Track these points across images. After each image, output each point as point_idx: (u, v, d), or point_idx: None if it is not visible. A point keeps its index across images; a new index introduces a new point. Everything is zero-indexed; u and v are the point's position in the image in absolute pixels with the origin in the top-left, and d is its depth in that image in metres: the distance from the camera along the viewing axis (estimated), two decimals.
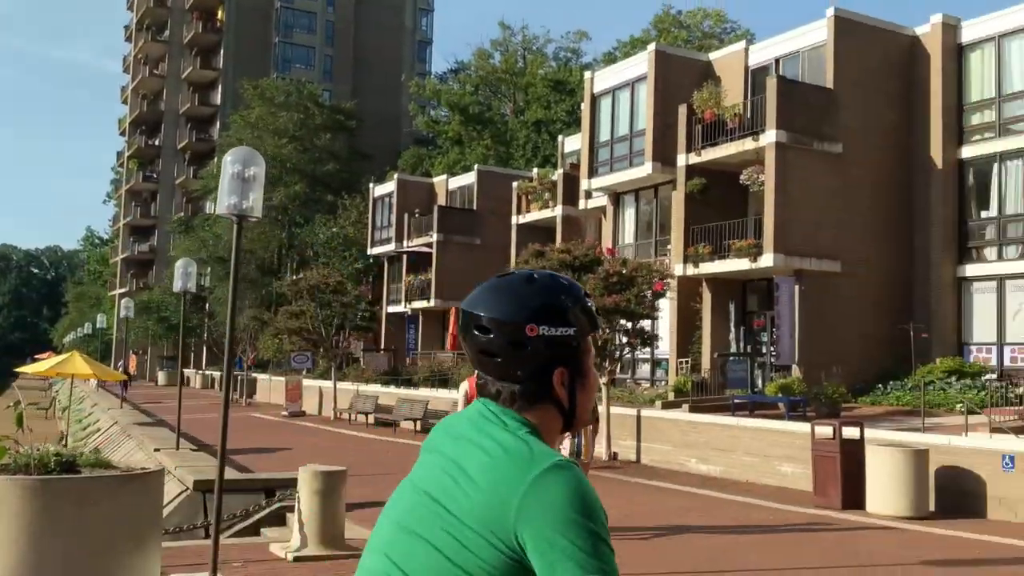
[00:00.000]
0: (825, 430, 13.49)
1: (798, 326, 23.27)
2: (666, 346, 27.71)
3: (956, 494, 12.45)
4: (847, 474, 12.77)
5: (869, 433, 13.77)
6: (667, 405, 22.67)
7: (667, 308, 28.10)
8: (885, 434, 13.79)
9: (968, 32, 23.17)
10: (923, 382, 22.14)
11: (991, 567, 9.28)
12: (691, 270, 25.54)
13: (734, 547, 9.78)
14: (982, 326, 23.20)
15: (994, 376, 21.59)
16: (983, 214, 23.52)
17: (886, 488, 12.06)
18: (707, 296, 26.20)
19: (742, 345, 25.95)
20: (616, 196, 30.50)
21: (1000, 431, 15.10)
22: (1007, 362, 22.50)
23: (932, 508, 12.67)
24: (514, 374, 1.82)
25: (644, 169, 27.71)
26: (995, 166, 23.02)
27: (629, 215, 30.53)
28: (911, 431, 14.80)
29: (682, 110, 25.34)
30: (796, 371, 23.08)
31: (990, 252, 23.24)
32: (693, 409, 21.95)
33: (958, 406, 19.79)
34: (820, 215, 23.42)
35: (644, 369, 29.33)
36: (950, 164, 23.79)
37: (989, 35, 22.67)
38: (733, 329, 26.21)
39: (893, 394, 21.77)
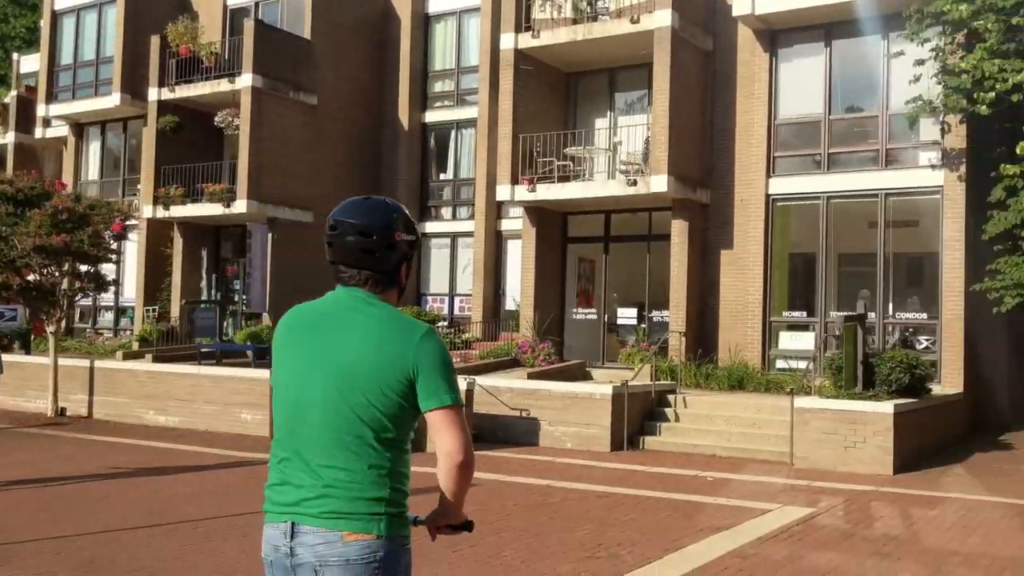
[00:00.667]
0: None
1: (270, 274, 23.32)
2: (132, 293, 26.06)
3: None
4: None
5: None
6: (129, 356, 21.31)
7: (133, 252, 26.39)
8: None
9: (434, 4, 24.86)
10: None
11: None
12: (161, 213, 24.18)
13: (172, 500, 9.41)
14: (438, 278, 25.37)
15: (446, 323, 23.79)
16: (442, 176, 25.63)
17: None
18: (179, 241, 25.04)
19: (214, 292, 25.33)
20: (80, 127, 27.73)
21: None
22: (456, 311, 24.90)
23: None
24: (382, 267, 2.75)
25: (111, 100, 25.53)
26: (452, 132, 25.17)
27: (94, 149, 27.97)
28: None
29: (155, 41, 23.72)
30: (267, 319, 23.16)
31: (446, 211, 25.44)
32: (157, 359, 20.88)
33: None
34: (294, 164, 23.63)
35: (108, 318, 27.27)
36: (416, 127, 25.48)
37: (452, 9, 24.56)
38: (205, 276, 25.42)
39: None
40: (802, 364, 17.03)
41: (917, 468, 11.94)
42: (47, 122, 28.58)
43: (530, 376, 16.26)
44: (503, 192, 19.05)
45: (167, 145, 24.42)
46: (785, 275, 18.04)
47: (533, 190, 18.70)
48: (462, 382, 13.36)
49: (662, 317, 18.92)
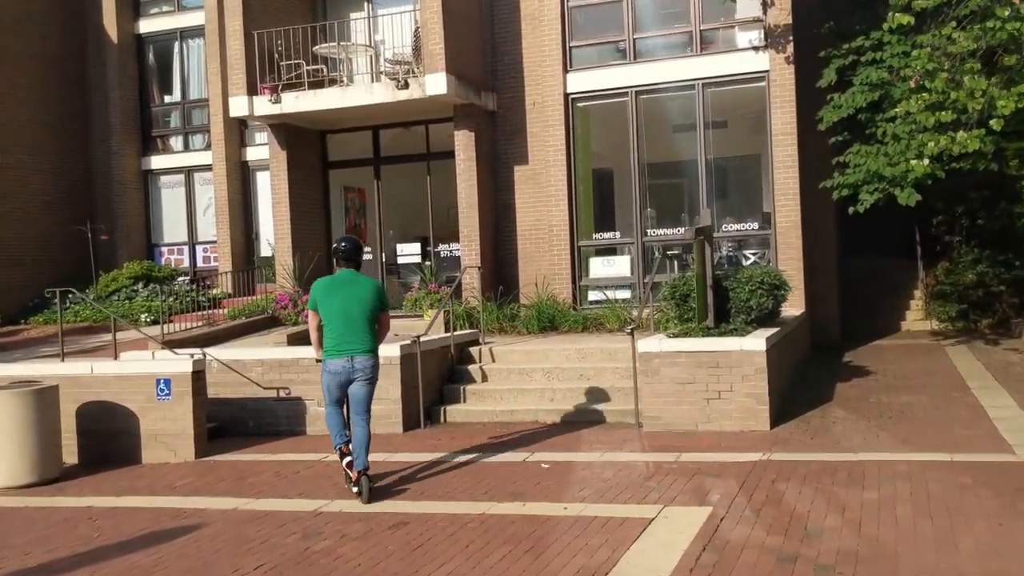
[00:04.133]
0: None
1: None
2: None
3: (105, 438, 9.44)
4: None
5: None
6: None
7: None
8: (14, 368, 10.06)
9: None
10: (106, 292, 19.01)
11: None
12: None
13: None
14: (173, 225, 20.81)
15: (187, 279, 19.43)
16: (167, 99, 20.89)
17: (4, 446, 8.45)
18: None
19: None
20: None
21: (176, 345, 12.60)
22: (200, 262, 20.53)
23: (79, 461, 9.51)
24: (360, 264, 7.59)
25: None
26: (176, 45, 20.47)
27: None
28: (54, 359, 11.38)
29: None
30: None
31: (176, 141, 20.80)
32: None
33: (143, 316, 17.09)
34: None
35: None
36: (128, 40, 20.53)
37: None
38: None
39: (72, 309, 18.10)
40: (619, 294, 14.37)
41: (792, 416, 9.42)
42: None
43: (291, 340, 12.57)
44: (239, 106, 14.92)
45: None
46: (591, 190, 15.21)
47: (277, 100, 14.71)
48: (187, 358, 9.52)
49: (451, 252, 15.65)
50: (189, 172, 20.57)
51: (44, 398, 8.74)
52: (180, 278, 19.49)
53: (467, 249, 14.49)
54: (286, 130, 15.57)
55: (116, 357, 10.94)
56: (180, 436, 9.30)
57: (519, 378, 10.95)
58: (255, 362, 10.54)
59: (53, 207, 19.87)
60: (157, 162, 20.73)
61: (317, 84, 14.85)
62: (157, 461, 9.33)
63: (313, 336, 7.57)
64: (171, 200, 20.85)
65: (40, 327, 18.05)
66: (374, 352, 7.33)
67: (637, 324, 10.02)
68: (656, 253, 14.33)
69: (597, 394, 10.29)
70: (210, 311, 15.94)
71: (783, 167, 13.50)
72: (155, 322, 16.00)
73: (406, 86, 13.98)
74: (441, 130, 15.36)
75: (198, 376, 9.39)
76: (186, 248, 20.67)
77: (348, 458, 7.35)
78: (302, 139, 15.93)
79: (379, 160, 16.22)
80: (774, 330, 9.84)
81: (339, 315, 7.25)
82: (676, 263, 14.32)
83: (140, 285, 18.54)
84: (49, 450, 8.72)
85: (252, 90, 14.91)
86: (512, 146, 15.21)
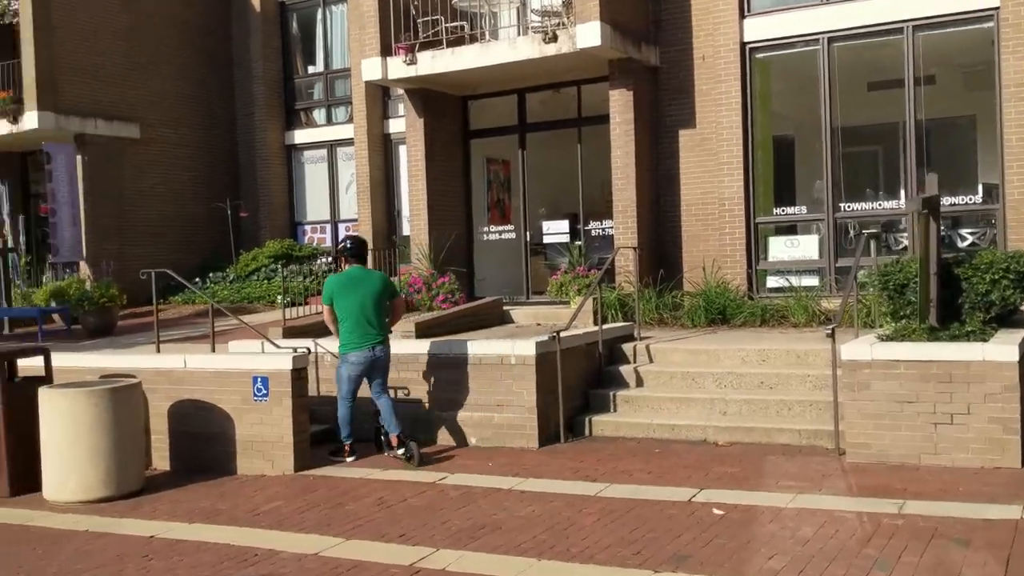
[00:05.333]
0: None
1: (84, 209, 17.59)
2: None
3: (199, 442, 8.17)
4: (19, 438, 7.71)
5: (88, 361, 8.86)
6: None
7: None
8: (105, 359, 8.89)
9: None
10: (245, 271, 18.24)
11: None
12: None
13: None
14: (315, 202, 19.86)
15: (328, 259, 18.39)
16: (310, 69, 19.90)
17: (70, 455, 7.26)
18: None
19: (25, 240, 19.58)
20: None
21: (296, 333, 11.34)
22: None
23: (171, 467, 8.30)
24: (367, 259, 8.48)
25: None
26: (319, 12, 19.41)
27: None
28: (177, 342, 10.28)
29: None
30: (85, 270, 17.53)
31: (319, 114, 19.79)
32: None
33: (279, 298, 16.06)
34: (107, 61, 17.71)
35: None
36: (271, 7, 19.65)
37: None
38: (9, 219, 19.49)
39: (211, 288, 17.41)
40: (805, 281, 12.13)
41: None
42: None
43: (419, 330, 11.03)
44: (371, 69, 13.51)
45: None
46: (771, 157, 12.95)
47: (412, 61, 13.19)
48: (288, 352, 8.11)
49: (604, 230, 13.77)
50: (332, 146, 19.51)
51: (123, 397, 7.48)
52: (321, 258, 18.48)
53: (622, 227, 12.57)
54: (424, 96, 14.06)
55: (213, 349, 9.70)
56: (278, 444, 7.89)
57: (683, 384, 8.99)
58: None
59: (195, 183, 19.25)
60: (300, 136, 19.79)
61: (457, 42, 13.25)
62: (252, 472, 7.97)
63: (332, 328, 8.25)
64: (314, 176, 19.88)
65: (178, 307, 17.41)
66: (388, 339, 8.23)
67: (837, 321, 7.85)
68: (851, 231, 11.98)
69: (783, 409, 8.21)
70: None
71: (1016, 126, 10.87)
72: (292, 304, 14.98)
73: (554, 39, 12.15)
74: (594, 91, 13.47)
75: (299, 375, 7.94)
76: (328, 226, 19.67)
77: (381, 436, 8.27)
78: (441, 106, 14.40)
79: (524, 127, 14.49)
80: (1017, 331, 7.47)
81: (357, 310, 7.89)
82: (874, 244, 11.91)
83: (279, 265, 17.63)
84: (128, 458, 7.47)
85: (386, 51, 13.47)
86: (677, 107, 13.14)
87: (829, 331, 7.43)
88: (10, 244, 17.69)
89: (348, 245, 8.31)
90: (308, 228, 19.89)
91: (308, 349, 8.64)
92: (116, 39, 17.92)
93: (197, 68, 19.40)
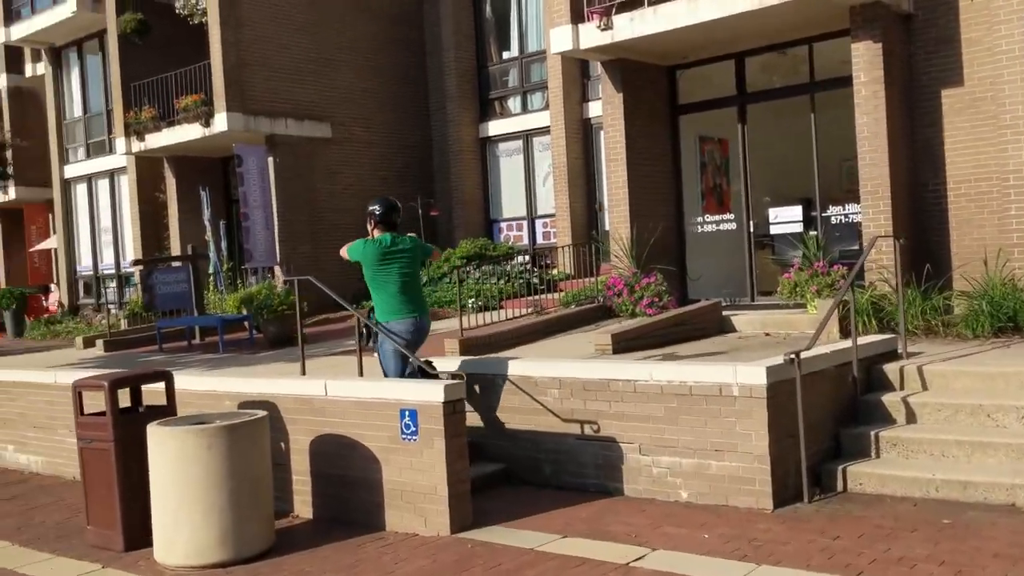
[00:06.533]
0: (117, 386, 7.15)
1: (276, 212, 16.98)
2: (132, 254, 20.42)
3: (342, 488, 6.67)
4: (137, 482, 6.47)
5: (227, 385, 7.60)
6: (89, 342, 15.62)
7: (126, 202, 20.70)
8: (243, 383, 7.56)
9: None
10: (438, 273, 16.98)
11: None
12: (138, 145, 18.21)
13: None
14: (512, 197, 18.41)
15: (526, 257, 16.86)
16: (504, 55, 18.45)
17: (179, 508, 5.91)
18: (171, 181, 19.11)
19: (225, 245, 19.33)
20: (56, 52, 22.05)
21: (471, 345, 9.74)
22: (539, 239, 17.93)
23: (313, 515, 6.86)
24: (397, 224, 7.39)
25: (68, 7, 19.62)
26: None
27: (75, 78, 22.24)
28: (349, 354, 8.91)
29: None
30: (279, 274, 16.92)
31: (514, 103, 18.30)
32: (111, 346, 15.05)
33: (470, 302, 14.67)
34: (295, 59, 17.03)
35: (114, 288, 21.79)
36: None
37: None
38: (210, 224, 19.30)
39: None
40: None
41: None
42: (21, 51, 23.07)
43: (616, 342, 9.10)
44: (561, 38, 11.75)
45: (135, 53, 18.31)
46: None
47: (608, 26, 11.29)
48: (441, 379, 6.42)
49: (846, 216, 11.31)
50: (527, 137, 17.98)
51: (244, 436, 6.06)
52: (518, 257, 16.95)
53: (872, 211, 10.08)
54: (623, 67, 12.12)
55: (361, 372, 8.18)
56: (431, 496, 6.22)
57: (974, 422, 6.55)
58: (549, 380, 7.20)
59: (388, 183, 18.24)
60: (494, 128, 18.39)
61: (659, 0, 11.22)
62: (403, 529, 6.35)
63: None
64: (509, 170, 18.43)
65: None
66: (427, 308, 7.64)
67: None
68: None
69: None
70: (543, 296, 13.12)
71: None
72: (484, 308, 13.51)
73: None
74: (830, 50, 11.07)
75: (453, 408, 6.23)
76: (525, 223, 18.15)
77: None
78: (644, 78, 12.41)
79: (744, 98, 12.23)
80: None
81: (398, 279, 7.22)
82: None
83: (472, 266, 16.26)
84: (249, 513, 6.04)
85: (578, 17, 11.65)
86: (938, 62, 10.48)
87: None
88: (211, 250, 17.36)
89: (376, 211, 7.41)
90: (504, 225, 18.46)
91: (463, 375, 6.81)
92: (302, 34, 17.19)
93: (387, 60, 18.43)
